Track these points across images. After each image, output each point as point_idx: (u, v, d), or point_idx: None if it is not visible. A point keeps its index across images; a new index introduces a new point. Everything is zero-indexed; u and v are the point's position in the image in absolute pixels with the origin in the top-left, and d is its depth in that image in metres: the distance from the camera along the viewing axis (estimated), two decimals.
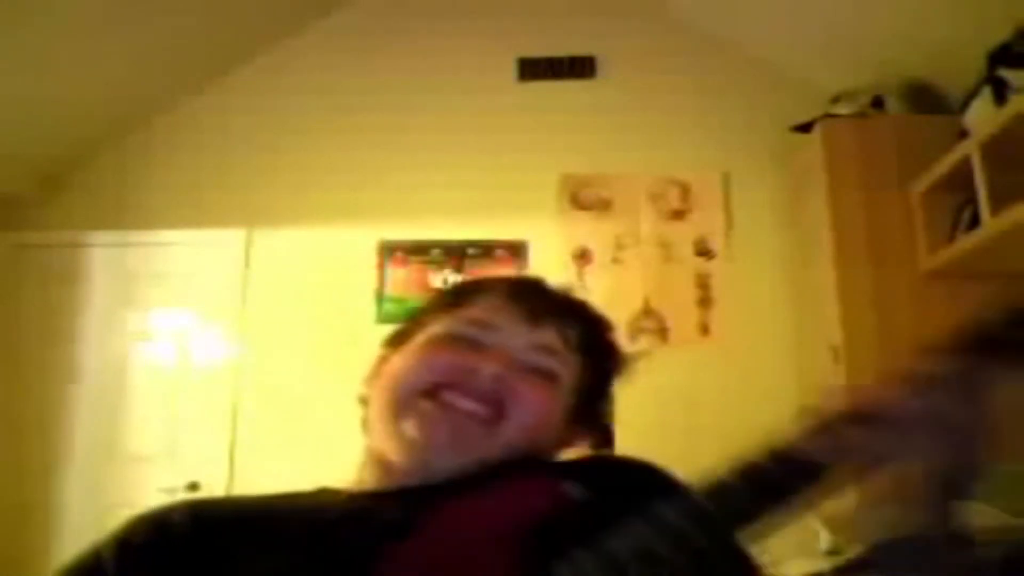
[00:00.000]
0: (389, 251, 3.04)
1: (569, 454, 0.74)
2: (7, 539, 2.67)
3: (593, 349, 0.74)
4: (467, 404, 0.65)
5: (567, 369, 0.71)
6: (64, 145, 3.09)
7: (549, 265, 2.89)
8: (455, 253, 3.01)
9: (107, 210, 3.12)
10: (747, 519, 0.46)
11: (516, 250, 2.99)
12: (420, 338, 0.72)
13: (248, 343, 2.97)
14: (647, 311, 2.90)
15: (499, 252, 3.00)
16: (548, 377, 0.69)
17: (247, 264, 3.05)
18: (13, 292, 3.02)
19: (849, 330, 2.33)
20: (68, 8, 2.49)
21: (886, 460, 0.48)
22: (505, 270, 2.95)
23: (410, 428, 0.65)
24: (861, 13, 2.59)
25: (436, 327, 0.72)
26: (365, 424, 0.72)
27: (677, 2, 3.24)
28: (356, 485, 0.69)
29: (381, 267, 3.02)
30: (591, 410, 0.76)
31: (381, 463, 0.68)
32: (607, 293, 2.90)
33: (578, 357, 0.72)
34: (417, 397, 0.66)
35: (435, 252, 3.02)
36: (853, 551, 0.54)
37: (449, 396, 0.65)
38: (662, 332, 2.87)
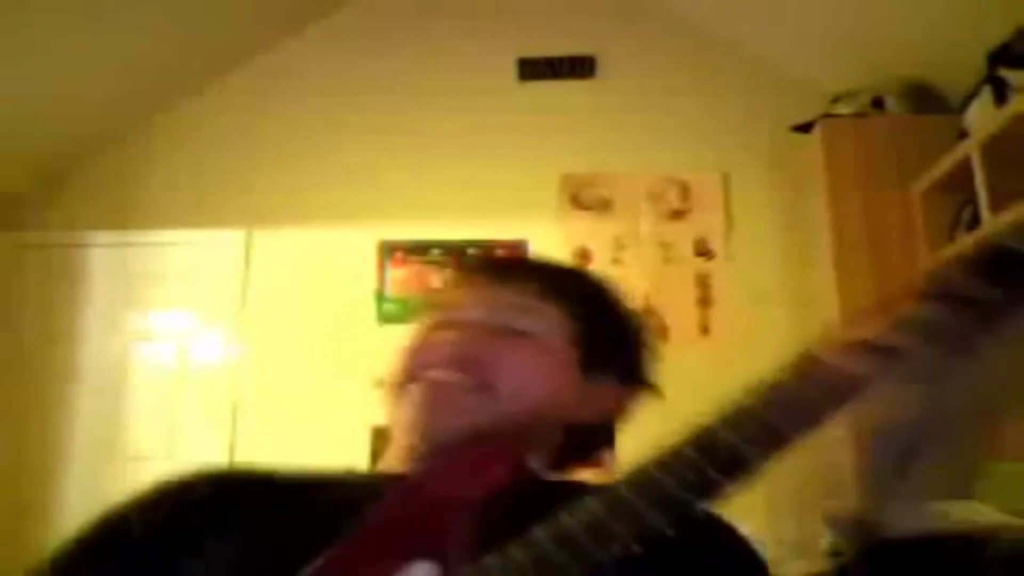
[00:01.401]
0: (389, 251, 3.04)
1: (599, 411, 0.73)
2: (7, 539, 2.67)
3: (568, 295, 0.72)
4: (443, 375, 0.66)
5: (543, 322, 0.69)
6: (64, 145, 3.09)
7: None
8: (455, 253, 3.01)
9: (107, 210, 3.12)
10: (705, 488, 0.45)
11: (516, 250, 2.99)
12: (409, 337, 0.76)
13: (248, 343, 2.97)
14: (647, 311, 2.89)
15: (499, 252, 3.00)
16: (522, 335, 0.68)
17: (247, 264, 3.05)
18: (13, 292, 3.02)
19: None
20: (68, 8, 2.49)
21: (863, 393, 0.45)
22: None
23: (406, 410, 0.67)
24: (861, 13, 2.59)
25: (423, 322, 0.76)
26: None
27: (677, 2, 3.24)
28: (382, 467, 0.71)
29: (381, 267, 3.02)
30: (606, 356, 0.73)
31: (398, 447, 0.70)
32: None
33: (552, 306, 0.70)
34: (405, 384, 0.69)
35: (435, 252, 3.02)
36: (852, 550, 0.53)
37: (428, 373, 0.67)
38: (662, 332, 2.87)
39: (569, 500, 0.47)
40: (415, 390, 0.67)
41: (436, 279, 2.97)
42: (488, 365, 0.66)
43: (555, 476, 0.66)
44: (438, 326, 0.71)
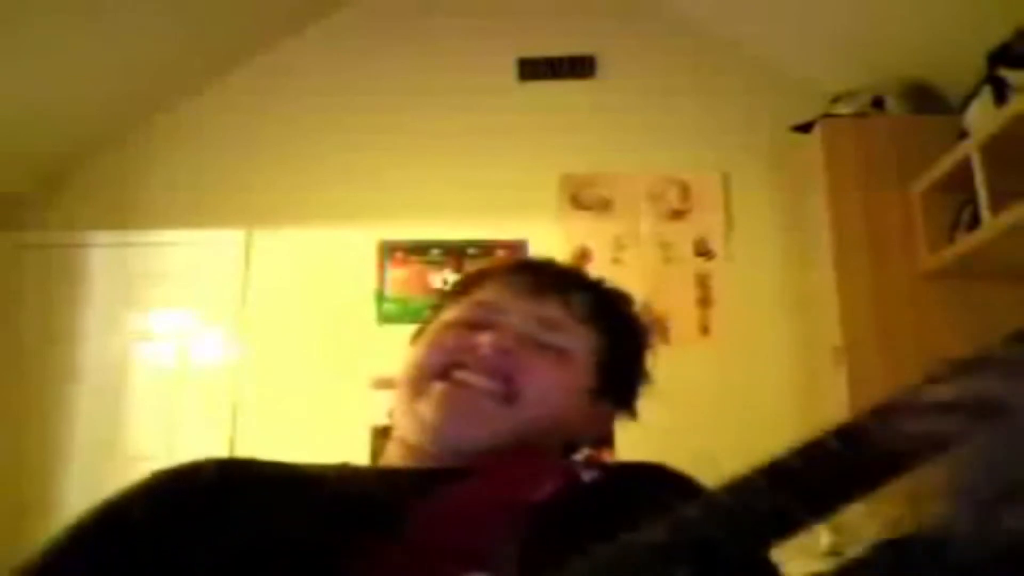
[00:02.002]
0: (389, 251, 3.03)
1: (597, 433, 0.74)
2: (7, 539, 2.67)
3: (606, 320, 0.74)
4: (475, 379, 0.66)
5: (578, 342, 0.71)
6: (64, 145, 3.08)
7: None
8: (455, 253, 3.01)
9: (107, 210, 3.12)
10: (776, 523, 0.43)
11: (516, 250, 2.99)
12: (433, 326, 0.74)
13: (248, 343, 2.97)
14: (647, 311, 2.89)
15: (499, 252, 3.00)
16: (557, 351, 0.70)
17: (247, 264, 3.05)
18: (13, 292, 3.01)
19: (849, 330, 2.33)
20: (68, 8, 2.49)
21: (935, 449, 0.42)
22: None
23: (424, 408, 0.66)
24: (861, 13, 2.59)
25: (447, 315, 0.74)
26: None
27: (677, 2, 3.24)
28: (382, 463, 0.71)
29: (381, 267, 3.02)
30: (616, 386, 0.75)
31: (403, 444, 0.69)
32: None
33: (590, 329, 0.72)
34: (430, 379, 0.68)
35: (435, 252, 3.02)
36: (854, 551, 0.52)
37: (459, 374, 0.67)
38: (662, 332, 2.87)
39: (624, 512, 0.46)
40: (442, 389, 0.66)
41: (437, 279, 2.97)
42: (520, 379, 0.66)
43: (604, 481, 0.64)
44: (474, 324, 0.70)
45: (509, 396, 0.66)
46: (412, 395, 0.68)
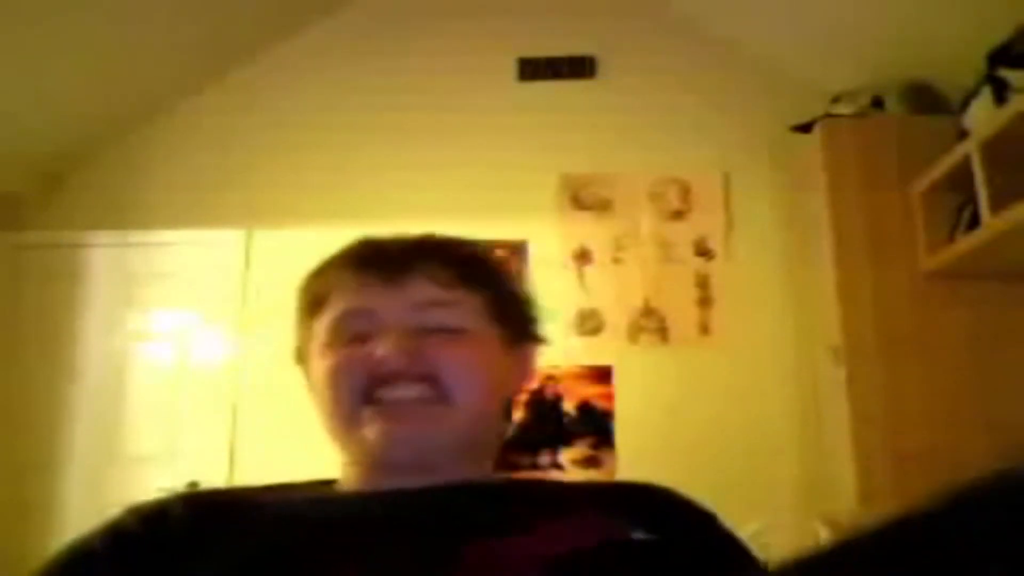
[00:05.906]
0: None
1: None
2: (7, 539, 2.67)
3: (478, 277, 0.71)
4: (403, 391, 0.64)
5: (468, 314, 0.68)
6: (65, 145, 3.08)
7: (549, 265, 2.89)
8: None
9: (108, 210, 3.12)
10: None
11: (516, 250, 2.99)
12: (316, 351, 0.70)
13: (248, 343, 2.97)
14: (647, 311, 2.90)
15: (499, 252, 3.00)
16: (450, 331, 0.67)
17: (247, 264, 3.05)
18: (13, 292, 3.01)
19: (849, 330, 2.33)
20: (68, 7, 2.49)
21: None
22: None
23: (368, 434, 0.64)
24: (861, 13, 2.59)
25: (320, 335, 0.70)
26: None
27: (677, 2, 3.24)
28: (345, 483, 0.69)
29: None
30: (520, 326, 0.74)
31: (363, 467, 0.68)
32: (607, 293, 2.90)
33: (464, 291, 0.69)
34: (356, 408, 0.65)
35: None
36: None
37: (384, 393, 0.64)
38: (662, 332, 2.87)
39: (658, 566, 0.46)
40: (375, 412, 0.64)
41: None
42: (442, 375, 0.65)
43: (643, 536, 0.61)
44: (357, 338, 0.66)
45: (442, 396, 0.65)
46: (345, 428, 0.66)
